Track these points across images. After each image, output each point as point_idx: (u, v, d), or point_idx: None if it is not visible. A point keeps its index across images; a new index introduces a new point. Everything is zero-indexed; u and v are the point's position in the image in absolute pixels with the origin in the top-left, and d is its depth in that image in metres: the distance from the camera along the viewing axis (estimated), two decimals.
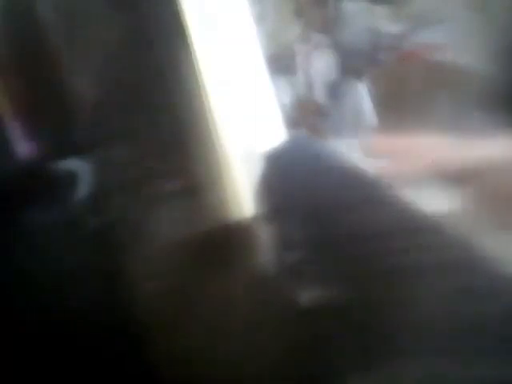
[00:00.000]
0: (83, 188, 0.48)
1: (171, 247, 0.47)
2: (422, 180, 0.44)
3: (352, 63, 0.46)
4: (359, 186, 0.45)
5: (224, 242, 0.46)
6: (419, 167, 0.45)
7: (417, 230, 0.44)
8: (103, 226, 0.47)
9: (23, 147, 0.49)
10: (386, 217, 0.44)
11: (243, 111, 0.47)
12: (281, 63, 0.47)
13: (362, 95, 0.46)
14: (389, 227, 0.44)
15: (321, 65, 0.47)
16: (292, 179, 0.46)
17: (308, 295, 0.45)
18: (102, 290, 0.47)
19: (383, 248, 0.44)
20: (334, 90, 0.47)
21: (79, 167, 0.48)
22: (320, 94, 0.47)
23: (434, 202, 0.44)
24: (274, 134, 0.46)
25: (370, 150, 0.45)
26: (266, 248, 0.47)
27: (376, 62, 0.46)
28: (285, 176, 0.47)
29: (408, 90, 0.45)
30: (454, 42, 0.45)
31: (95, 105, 0.48)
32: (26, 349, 0.47)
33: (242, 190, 0.46)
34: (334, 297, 0.45)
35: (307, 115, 0.47)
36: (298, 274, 0.45)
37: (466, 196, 0.43)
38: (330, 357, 0.44)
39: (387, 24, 0.46)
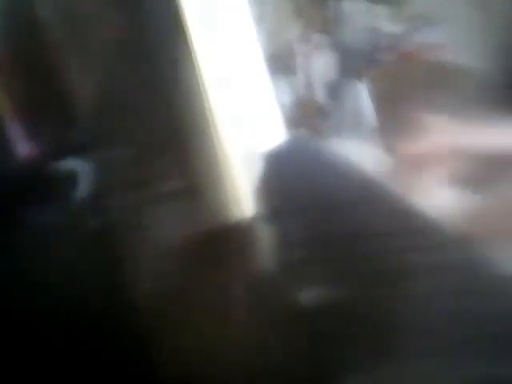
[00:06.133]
0: (83, 188, 0.48)
1: (171, 247, 0.47)
2: (423, 180, 0.44)
3: (352, 63, 0.46)
4: (359, 185, 0.45)
5: (224, 242, 0.46)
6: (421, 167, 0.45)
7: (417, 230, 0.44)
8: (103, 226, 0.47)
9: (23, 147, 0.49)
10: (386, 217, 0.44)
11: (243, 111, 0.47)
12: (281, 63, 0.47)
13: (361, 95, 0.46)
14: (389, 227, 0.44)
15: (321, 65, 0.47)
16: (292, 179, 0.46)
17: (308, 295, 0.45)
18: (102, 290, 0.47)
19: (383, 248, 0.44)
20: (334, 90, 0.47)
21: (79, 167, 0.48)
22: (320, 94, 0.47)
23: (436, 201, 0.44)
24: (274, 133, 0.46)
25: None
26: (266, 248, 0.47)
27: (376, 62, 0.46)
28: (285, 176, 0.47)
29: (408, 89, 0.45)
30: (454, 42, 0.45)
31: (95, 105, 0.48)
32: (26, 349, 0.47)
33: (241, 190, 0.46)
34: (334, 296, 0.45)
35: (307, 115, 0.47)
36: (298, 274, 0.45)
37: (466, 195, 0.43)
38: (330, 357, 0.44)
39: (387, 24, 0.46)
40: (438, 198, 0.44)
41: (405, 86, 0.46)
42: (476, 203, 0.43)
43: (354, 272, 0.44)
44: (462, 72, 0.45)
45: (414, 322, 0.43)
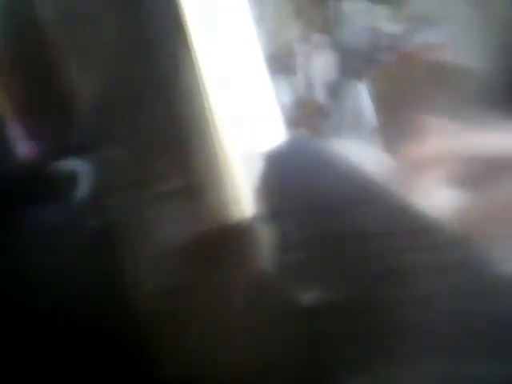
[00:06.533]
0: (83, 188, 0.48)
1: (171, 247, 0.47)
2: (423, 180, 0.44)
3: (352, 63, 0.46)
4: (359, 185, 0.45)
5: (224, 242, 0.46)
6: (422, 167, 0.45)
7: (417, 230, 0.44)
8: (103, 226, 0.47)
9: (23, 147, 0.49)
10: (386, 217, 0.44)
11: (243, 111, 0.47)
12: (281, 63, 0.47)
13: (361, 95, 0.46)
14: (389, 227, 0.44)
15: (321, 65, 0.47)
16: (292, 179, 0.46)
17: (308, 295, 0.45)
18: (102, 290, 0.47)
19: (383, 248, 0.44)
20: (334, 90, 0.47)
21: (79, 167, 0.48)
22: (320, 94, 0.47)
23: (436, 202, 0.44)
24: (274, 133, 0.46)
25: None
26: (266, 248, 0.47)
27: (376, 62, 0.46)
28: (285, 176, 0.47)
29: (408, 90, 0.45)
30: (454, 42, 0.45)
31: (95, 105, 0.48)
32: (26, 349, 0.47)
33: (242, 190, 0.46)
34: (334, 297, 0.45)
35: (307, 115, 0.47)
36: (298, 274, 0.45)
37: (466, 196, 0.43)
38: (330, 357, 0.44)
39: (387, 24, 0.46)
40: (438, 198, 0.44)
41: (405, 85, 0.46)
42: (476, 204, 0.43)
43: (353, 272, 0.44)
44: (461, 72, 0.45)
45: (414, 322, 0.43)
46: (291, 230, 0.45)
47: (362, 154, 0.46)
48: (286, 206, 0.46)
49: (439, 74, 0.45)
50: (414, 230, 0.44)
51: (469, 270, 0.43)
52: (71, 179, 0.48)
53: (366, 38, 0.46)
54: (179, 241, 0.47)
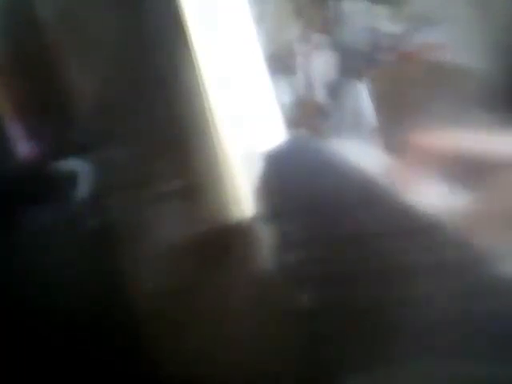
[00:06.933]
0: (83, 188, 0.48)
1: (171, 247, 0.47)
2: (424, 179, 0.44)
3: (352, 63, 0.46)
4: (359, 186, 0.45)
5: (224, 242, 0.46)
6: (422, 165, 0.45)
7: (417, 230, 0.44)
8: (103, 226, 0.47)
9: (23, 147, 0.49)
10: (386, 217, 0.44)
11: (243, 111, 0.47)
12: (281, 63, 0.47)
13: (361, 95, 0.46)
14: (389, 227, 0.44)
15: (321, 65, 0.47)
16: (292, 179, 0.46)
17: (308, 295, 0.45)
18: (102, 290, 0.47)
19: (383, 248, 0.44)
20: (334, 90, 0.47)
21: (79, 167, 0.48)
22: (320, 94, 0.47)
23: (436, 202, 0.44)
24: (274, 133, 0.46)
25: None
26: (266, 248, 0.47)
27: (376, 62, 0.46)
28: (285, 176, 0.47)
29: (408, 89, 0.45)
30: (454, 42, 0.45)
31: (95, 105, 0.48)
32: (25, 349, 0.47)
33: (242, 190, 0.46)
34: (334, 297, 0.45)
35: (307, 115, 0.47)
36: (298, 274, 0.45)
37: (466, 196, 0.43)
38: (330, 357, 0.44)
39: (387, 24, 0.46)
40: (438, 198, 0.44)
41: (405, 86, 0.46)
42: (476, 203, 0.43)
43: (353, 272, 0.44)
44: (461, 72, 0.45)
45: (414, 322, 0.43)
46: (291, 230, 0.45)
47: (361, 153, 0.46)
48: (286, 206, 0.46)
49: (439, 73, 0.45)
50: (414, 229, 0.44)
51: (469, 270, 0.43)
52: (71, 179, 0.48)
53: (366, 38, 0.46)
54: (179, 241, 0.47)
